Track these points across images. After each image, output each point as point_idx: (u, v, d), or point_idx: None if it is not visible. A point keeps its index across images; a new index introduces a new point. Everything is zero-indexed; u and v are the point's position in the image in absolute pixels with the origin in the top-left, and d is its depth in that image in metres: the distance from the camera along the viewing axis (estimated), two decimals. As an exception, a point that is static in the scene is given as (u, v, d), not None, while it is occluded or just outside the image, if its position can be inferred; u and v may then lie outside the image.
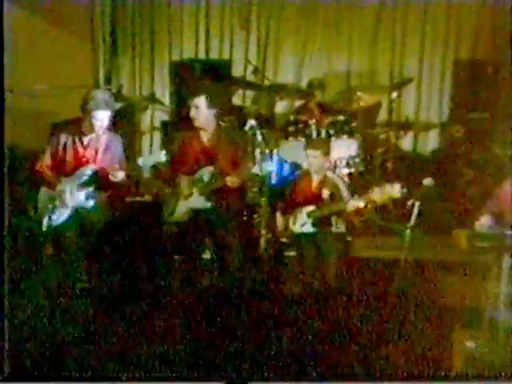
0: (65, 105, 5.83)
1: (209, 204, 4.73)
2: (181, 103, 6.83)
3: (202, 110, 4.76)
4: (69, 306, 4.33)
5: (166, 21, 7.18)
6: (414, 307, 4.26)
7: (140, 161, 4.66)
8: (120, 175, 4.53)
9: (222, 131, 4.88)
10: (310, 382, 3.85)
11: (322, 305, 4.33)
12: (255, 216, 5.39)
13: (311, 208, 4.76)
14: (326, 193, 4.77)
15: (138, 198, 5.75)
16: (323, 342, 4.04)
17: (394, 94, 6.56)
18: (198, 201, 4.74)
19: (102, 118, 4.56)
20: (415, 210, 4.63)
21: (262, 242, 4.76)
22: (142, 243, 4.96)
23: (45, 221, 4.56)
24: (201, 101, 4.76)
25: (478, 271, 4.19)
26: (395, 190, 4.43)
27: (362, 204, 4.54)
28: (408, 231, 4.60)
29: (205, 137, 4.85)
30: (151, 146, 7.11)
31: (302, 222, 4.77)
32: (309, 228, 4.76)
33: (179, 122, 6.04)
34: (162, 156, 4.59)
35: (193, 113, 4.78)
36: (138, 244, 4.94)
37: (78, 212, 4.59)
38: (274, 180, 5.46)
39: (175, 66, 7.10)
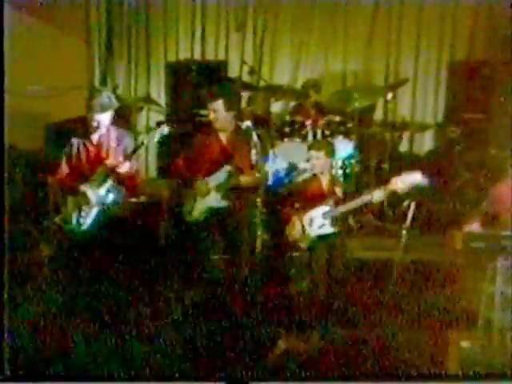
0: (60, 106, 5.83)
1: (225, 203, 4.81)
2: (176, 103, 6.86)
3: (220, 113, 4.86)
4: (69, 307, 4.33)
5: (161, 22, 7.19)
6: (410, 308, 4.28)
7: (144, 138, 4.70)
8: (126, 166, 4.57)
9: (241, 132, 4.91)
10: (310, 382, 3.86)
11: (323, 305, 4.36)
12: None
13: (326, 208, 4.66)
14: (339, 191, 4.73)
15: (134, 199, 5.73)
16: (323, 342, 4.06)
17: (390, 95, 6.56)
18: (214, 199, 4.81)
19: (99, 119, 4.63)
20: (411, 211, 4.64)
21: (258, 243, 4.75)
22: (145, 243, 4.97)
23: (75, 225, 4.60)
24: (219, 104, 4.85)
25: (474, 272, 4.20)
26: (417, 178, 4.35)
27: (383, 195, 4.45)
28: (404, 232, 4.61)
29: (224, 138, 4.96)
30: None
31: (320, 224, 4.68)
32: (328, 229, 4.66)
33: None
34: (165, 130, 4.66)
35: (212, 116, 4.90)
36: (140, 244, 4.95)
37: (102, 209, 4.62)
38: (269, 181, 5.46)
39: (171, 67, 7.11)
